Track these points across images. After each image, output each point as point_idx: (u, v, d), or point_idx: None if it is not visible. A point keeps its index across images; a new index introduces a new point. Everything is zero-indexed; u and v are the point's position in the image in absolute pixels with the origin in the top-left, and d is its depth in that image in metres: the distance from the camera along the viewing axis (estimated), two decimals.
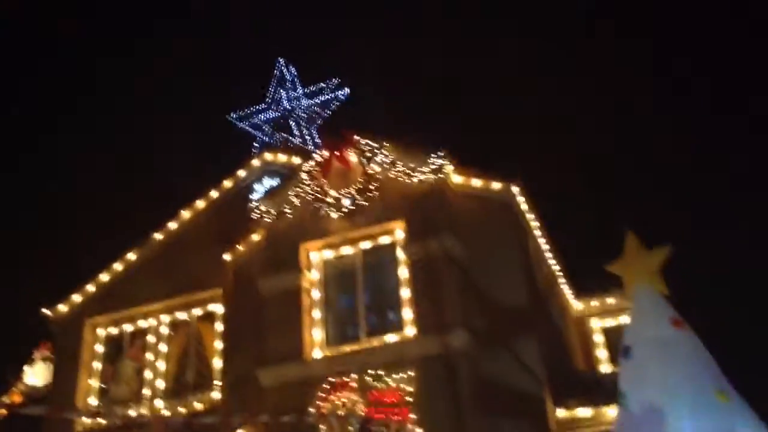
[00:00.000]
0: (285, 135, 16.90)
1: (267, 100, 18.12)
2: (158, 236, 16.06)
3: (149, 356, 14.76)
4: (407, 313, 12.34)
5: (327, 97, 16.38)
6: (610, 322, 16.26)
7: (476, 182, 13.33)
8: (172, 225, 16.19)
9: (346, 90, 16.16)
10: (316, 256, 13.65)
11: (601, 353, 16.15)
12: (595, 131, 35.85)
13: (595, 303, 16.42)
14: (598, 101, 38.21)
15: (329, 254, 13.58)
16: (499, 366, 11.79)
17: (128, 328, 15.30)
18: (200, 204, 16.24)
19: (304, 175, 14.05)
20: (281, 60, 17.67)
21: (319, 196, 13.72)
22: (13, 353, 16.93)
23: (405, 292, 12.52)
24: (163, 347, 14.76)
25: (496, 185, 13.25)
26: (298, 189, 14.04)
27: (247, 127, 18.47)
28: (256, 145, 18.43)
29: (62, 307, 15.76)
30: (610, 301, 16.16)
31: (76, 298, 15.79)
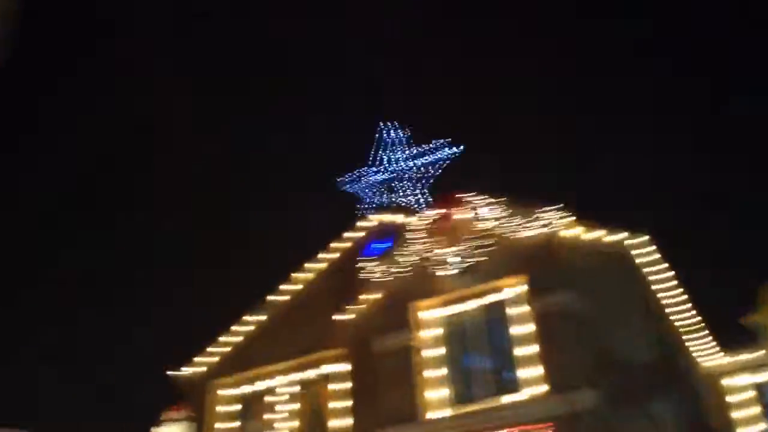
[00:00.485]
0: (394, 195, 17.17)
1: (375, 162, 18.57)
2: (276, 299, 16.53)
3: (272, 417, 15.01)
4: (529, 371, 12.02)
5: (437, 156, 16.54)
6: (744, 377, 15.24)
7: (593, 234, 13.03)
8: (288, 287, 16.65)
9: (456, 149, 16.29)
10: (431, 314, 13.62)
11: (736, 409, 15.10)
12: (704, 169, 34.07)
13: (728, 358, 15.45)
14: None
15: (444, 312, 13.52)
16: (632, 425, 11.22)
17: (251, 389, 15.66)
18: (314, 266, 16.64)
19: (415, 235, 14.18)
20: (389, 123, 18.15)
21: (431, 254, 13.78)
22: (140, 416, 17.68)
23: (526, 350, 12.23)
24: (285, 407, 14.99)
25: (614, 237, 12.90)
26: (409, 249, 14.16)
27: (355, 190, 18.91)
28: (364, 205, 18.81)
29: (187, 369, 16.36)
30: (744, 355, 15.17)
31: (201, 360, 16.37)
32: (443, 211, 13.90)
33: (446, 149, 16.32)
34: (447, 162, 16.06)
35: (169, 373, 16.49)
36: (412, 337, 13.41)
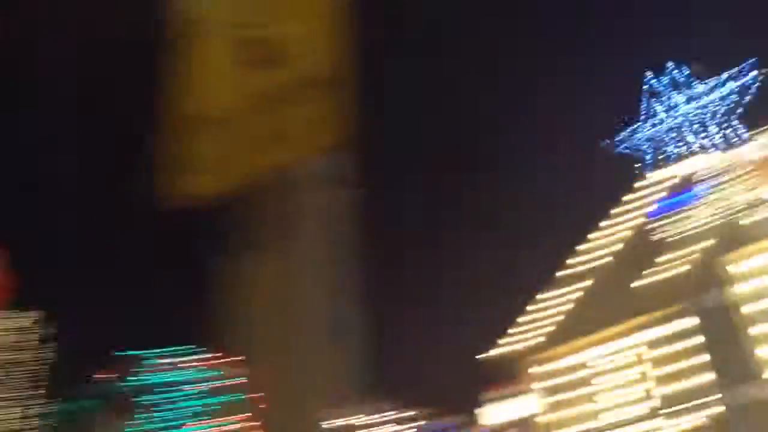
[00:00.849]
0: (688, 141, 15.64)
1: (647, 112, 17.13)
2: (572, 272, 16.25)
3: (596, 387, 14.74)
4: None
5: (735, 85, 14.51)
6: None
7: None
8: (580, 260, 16.29)
9: (757, 70, 13.98)
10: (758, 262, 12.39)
11: None
12: None
13: None
14: None
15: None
16: None
17: (569, 362, 15.52)
18: (606, 232, 16.08)
19: (726, 179, 13.04)
20: (670, 64, 16.48)
21: (752, 198, 12.57)
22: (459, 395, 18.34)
23: None
24: (611, 376, 14.65)
25: None
26: (719, 195, 13.07)
27: (632, 148, 17.69)
28: (645, 162, 17.57)
29: (499, 348, 16.65)
30: None
31: (512, 338, 16.57)
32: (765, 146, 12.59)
33: (745, 74, 14.23)
34: (753, 88, 13.98)
35: (479, 357, 16.93)
36: (725, 293, 12.38)
